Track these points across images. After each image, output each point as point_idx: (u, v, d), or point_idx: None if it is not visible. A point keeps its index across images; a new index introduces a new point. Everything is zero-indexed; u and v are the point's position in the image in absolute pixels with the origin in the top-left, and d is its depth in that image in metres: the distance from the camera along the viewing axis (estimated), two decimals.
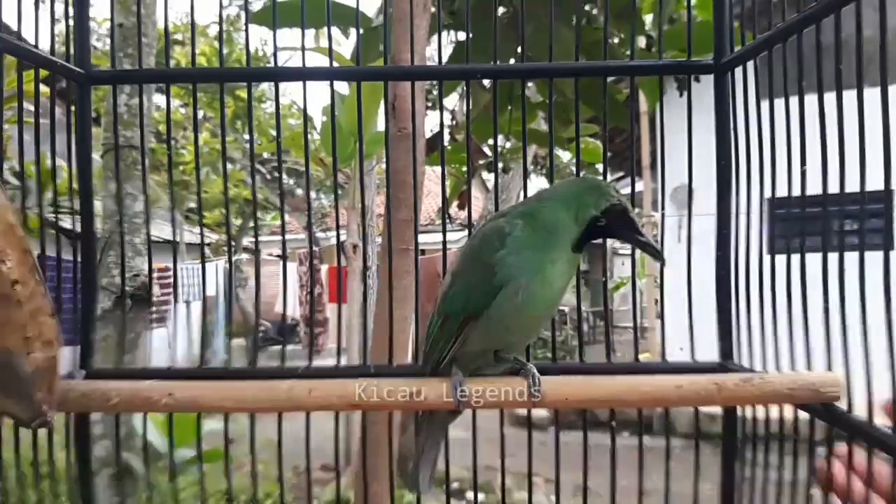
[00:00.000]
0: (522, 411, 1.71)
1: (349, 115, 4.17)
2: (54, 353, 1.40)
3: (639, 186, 14.75)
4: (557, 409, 1.78)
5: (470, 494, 6.63)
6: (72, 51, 1.88)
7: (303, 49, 1.96)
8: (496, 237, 1.50)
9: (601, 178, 1.66)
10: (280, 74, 1.92)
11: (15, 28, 1.75)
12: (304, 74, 1.91)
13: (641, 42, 3.93)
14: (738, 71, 1.84)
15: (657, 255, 1.53)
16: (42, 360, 1.38)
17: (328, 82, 1.97)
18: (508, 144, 6.03)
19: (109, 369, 2.00)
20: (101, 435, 3.99)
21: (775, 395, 1.50)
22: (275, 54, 1.97)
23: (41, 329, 1.38)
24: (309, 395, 1.52)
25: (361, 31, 3.44)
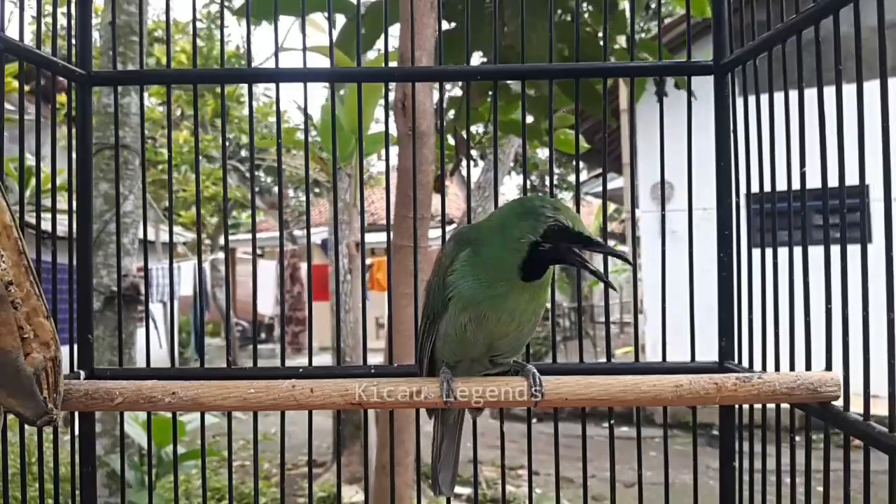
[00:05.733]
0: None
1: (349, 114, 4.16)
2: (53, 354, 1.41)
3: (618, 183, 14.81)
4: (557, 408, 1.78)
5: (458, 489, 6.64)
6: (73, 52, 1.88)
7: (304, 49, 1.97)
8: (451, 253, 1.54)
9: (543, 196, 1.63)
10: (281, 75, 1.93)
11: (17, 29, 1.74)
12: (304, 75, 1.92)
13: (623, 40, 3.92)
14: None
15: (603, 280, 1.54)
16: (42, 361, 1.39)
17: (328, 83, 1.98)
18: (483, 139, 6.06)
19: (110, 369, 2.01)
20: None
21: (774, 395, 1.51)
22: (276, 54, 1.97)
23: (37, 330, 1.39)
24: (311, 394, 1.53)
25: (349, 18, 3.44)
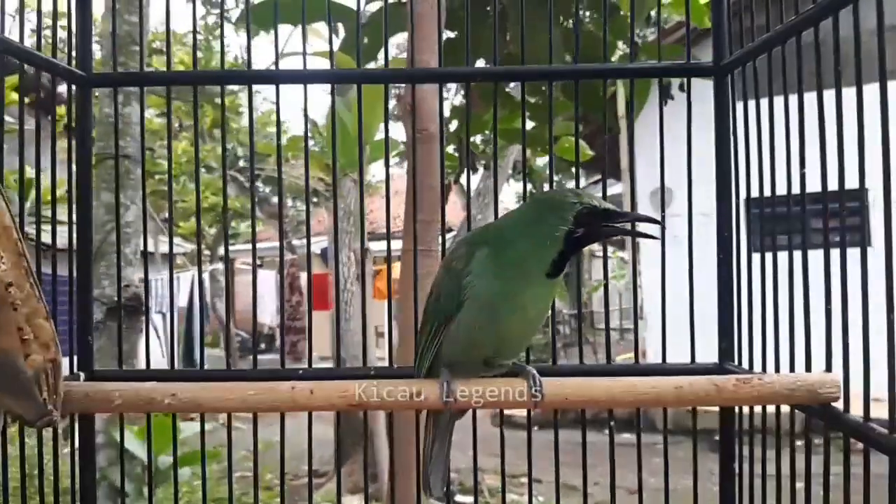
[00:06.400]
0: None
1: (356, 119, 4.14)
2: (53, 356, 1.40)
3: (617, 189, 14.81)
4: (557, 409, 1.78)
5: (460, 498, 6.61)
6: (73, 54, 1.89)
7: (304, 52, 1.97)
8: (464, 255, 1.54)
9: (557, 188, 1.65)
10: (281, 77, 1.93)
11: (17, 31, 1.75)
12: (305, 77, 1.92)
13: (624, 47, 3.93)
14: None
15: (648, 235, 1.53)
16: (42, 362, 1.38)
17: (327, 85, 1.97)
18: (486, 148, 6.09)
19: (111, 371, 2.01)
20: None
21: (774, 396, 1.51)
22: (276, 56, 1.98)
23: (37, 331, 1.39)
24: (311, 395, 1.53)
25: (351, 25, 3.44)
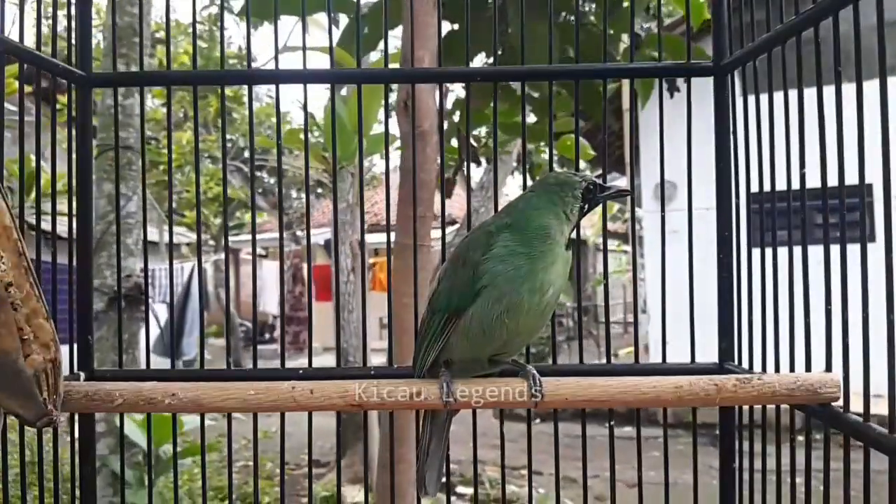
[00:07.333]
0: None
1: (352, 113, 4.15)
2: (53, 355, 1.41)
3: (622, 183, 14.82)
4: (557, 409, 1.78)
5: (459, 489, 6.63)
6: (73, 53, 1.89)
7: (304, 50, 1.97)
8: (482, 244, 1.55)
9: (563, 171, 1.74)
10: (281, 77, 1.93)
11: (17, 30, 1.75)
12: (305, 77, 1.92)
13: (627, 39, 3.91)
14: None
15: (624, 192, 1.74)
16: (42, 362, 1.39)
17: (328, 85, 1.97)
18: (487, 141, 6.09)
19: (110, 370, 2.01)
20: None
21: (774, 396, 1.51)
22: (276, 56, 1.97)
23: (37, 331, 1.39)
24: (311, 395, 1.53)
25: (350, 18, 3.44)
